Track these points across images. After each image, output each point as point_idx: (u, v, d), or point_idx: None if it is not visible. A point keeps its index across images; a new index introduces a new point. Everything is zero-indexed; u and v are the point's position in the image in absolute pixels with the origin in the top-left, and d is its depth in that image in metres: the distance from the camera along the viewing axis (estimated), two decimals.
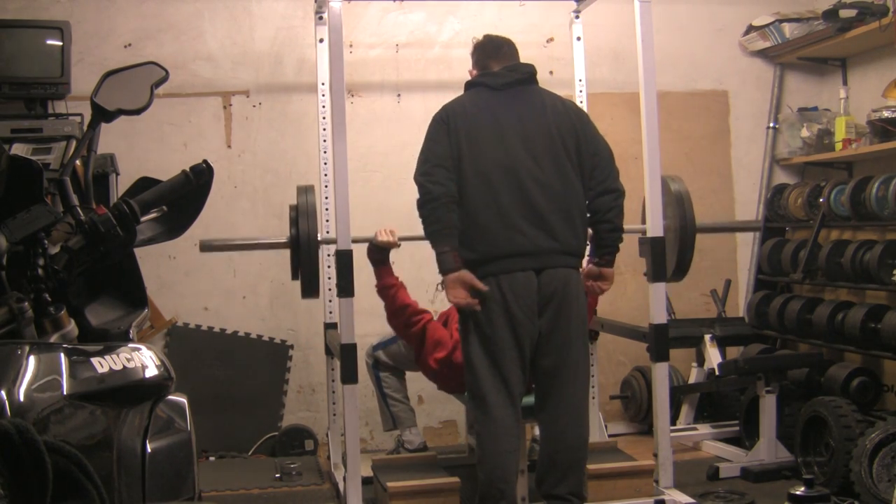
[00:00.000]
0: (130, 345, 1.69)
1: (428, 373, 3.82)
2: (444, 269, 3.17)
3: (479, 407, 3.23)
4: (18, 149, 3.56)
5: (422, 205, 3.22)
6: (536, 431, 3.77)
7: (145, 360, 1.68)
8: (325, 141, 4.36)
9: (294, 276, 3.98)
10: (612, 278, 3.45)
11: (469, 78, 3.46)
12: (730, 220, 5.40)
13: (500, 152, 3.20)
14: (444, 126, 3.26)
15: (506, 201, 3.17)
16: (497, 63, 3.38)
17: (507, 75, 3.32)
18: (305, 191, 3.96)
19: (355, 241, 3.67)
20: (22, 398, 1.35)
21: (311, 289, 3.96)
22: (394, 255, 4.96)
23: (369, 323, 4.20)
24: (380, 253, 3.72)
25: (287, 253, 4.00)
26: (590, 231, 3.40)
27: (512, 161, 3.19)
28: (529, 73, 3.35)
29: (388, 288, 3.71)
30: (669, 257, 4.02)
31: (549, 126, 3.25)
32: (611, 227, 3.34)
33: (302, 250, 3.82)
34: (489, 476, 3.19)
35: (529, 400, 3.36)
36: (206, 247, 3.98)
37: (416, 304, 3.76)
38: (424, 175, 3.21)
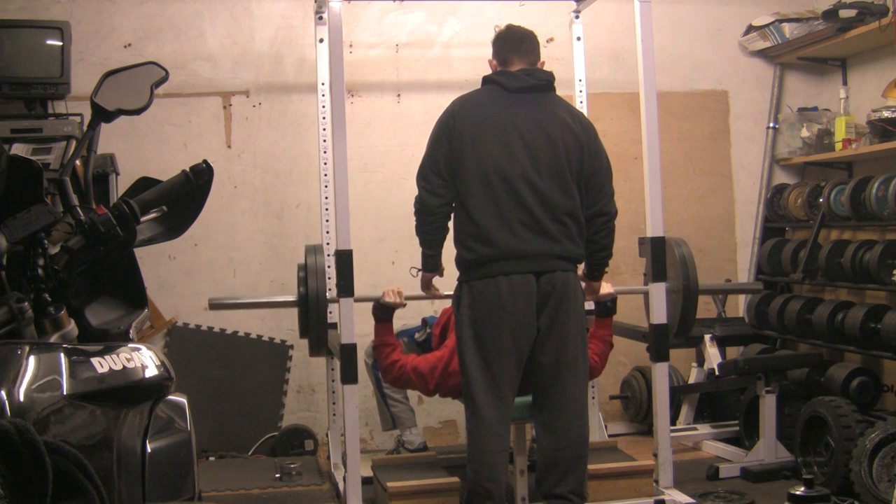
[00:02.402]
0: (130, 345, 1.69)
1: (438, 394, 3.80)
2: (427, 268, 3.47)
3: (469, 406, 3.25)
4: (18, 149, 3.57)
5: (418, 212, 3.34)
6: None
7: (145, 360, 1.68)
8: (325, 141, 4.36)
9: (302, 335, 3.99)
10: (599, 289, 3.61)
11: (488, 70, 3.41)
12: (730, 220, 5.42)
13: (502, 157, 3.21)
14: (447, 129, 3.28)
15: (505, 206, 3.19)
16: (518, 58, 3.35)
17: (523, 79, 3.30)
18: (314, 250, 3.95)
19: (360, 300, 3.68)
20: (22, 398, 1.35)
21: (319, 347, 3.96)
22: (396, 256, 4.96)
23: (369, 323, 4.19)
24: (384, 312, 3.71)
25: (288, 253, 3.99)
26: None
27: (512, 167, 3.20)
28: (547, 80, 3.34)
29: (386, 346, 3.69)
30: (672, 317, 4.01)
31: (554, 136, 3.25)
32: (598, 248, 3.41)
33: (311, 310, 3.81)
34: (476, 475, 3.21)
35: (529, 399, 3.36)
36: (215, 305, 3.97)
37: (401, 357, 3.74)
38: (423, 180, 3.31)
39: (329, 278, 4.07)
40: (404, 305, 3.72)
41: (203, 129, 4.94)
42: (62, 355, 1.49)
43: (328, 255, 4.24)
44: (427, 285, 3.53)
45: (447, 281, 3.55)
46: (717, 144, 5.45)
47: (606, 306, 3.70)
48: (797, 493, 3.36)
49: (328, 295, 3.88)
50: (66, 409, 1.44)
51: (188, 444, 1.70)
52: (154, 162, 4.72)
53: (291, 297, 3.95)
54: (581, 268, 3.46)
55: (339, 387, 3.94)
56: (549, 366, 3.22)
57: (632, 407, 5.11)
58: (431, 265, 3.44)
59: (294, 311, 3.94)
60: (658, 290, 3.82)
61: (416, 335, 4.25)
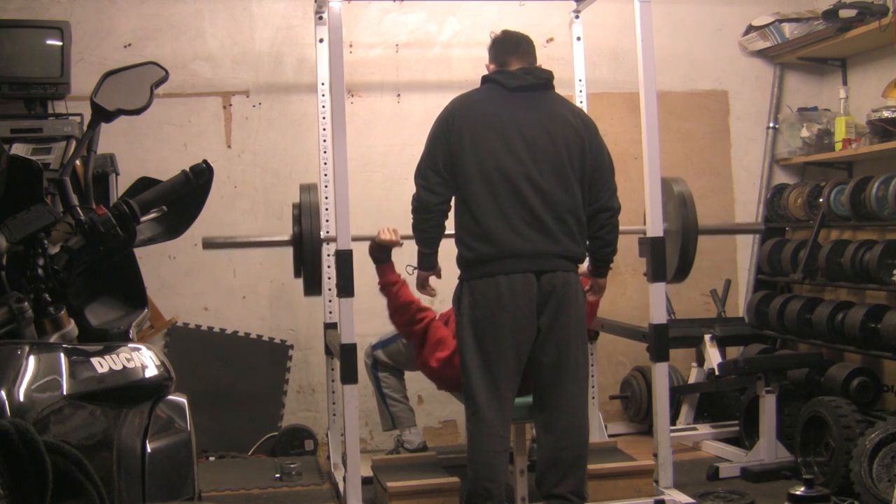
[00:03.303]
0: (130, 345, 1.69)
1: (428, 372, 3.82)
2: (424, 267, 3.46)
3: (470, 406, 3.26)
4: (18, 149, 3.57)
5: (415, 209, 3.34)
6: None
7: (145, 360, 1.68)
8: (325, 141, 4.36)
9: (297, 274, 3.99)
10: (604, 287, 3.61)
11: (486, 72, 3.42)
12: (730, 219, 5.41)
13: (503, 155, 3.21)
14: (446, 127, 3.28)
15: (507, 205, 3.19)
16: (516, 60, 3.35)
17: (523, 77, 3.30)
18: (308, 189, 3.97)
19: (356, 239, 3.68)
20: (22, 398, 1.35)
21: (313, 286, 3.97)
22: (396, 255, 4.96)
23: (369, 323, 4.19)
24: (382, 251, 3.73)
25: (287, 253, 3.99)
26: None
27: (513, 165, 3.20)
28: (546, 78, 3.34)
29: (391, 285, 3.72)
30: (671, 258, 4.02)
31: (555, 134, 3.25)
32: (602, 244, 3.41)
33: (305, 248, 3.83)
34: (476, 475, 3.21)
35: (529, 400, 3.36)
36: (209, 244, 3.99)
37: (419, 301, 3.77)
38: (421, 178, 3.31)
39: (326, 220, 4.15)
40: (401, 244, 3.73)
41: (203, 129, 4.94)
42: (62, 355, 1.49)
43: (325, 197, 4.27)
44: (423, 284, 3.53)
45: (445, 277, 3.55)
46: (717, 144, 5.45)
47: None
48: (797, 493, 3.36)
49: (322, 235, 3.91)
50: (66, 409, 1.44)
51: (188, 444, 1.70)
52: (154, 162, 4.72)
53: (286, 237, 3.98)
54: (582, 267, 3.46)
55: (339, 387, 3.94)
56: (549, 366, 3.22)
57: (632, 407, 5.11)
58: (428, 264, 3.45)
59: (293, 312, 3.96)
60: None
61: None
